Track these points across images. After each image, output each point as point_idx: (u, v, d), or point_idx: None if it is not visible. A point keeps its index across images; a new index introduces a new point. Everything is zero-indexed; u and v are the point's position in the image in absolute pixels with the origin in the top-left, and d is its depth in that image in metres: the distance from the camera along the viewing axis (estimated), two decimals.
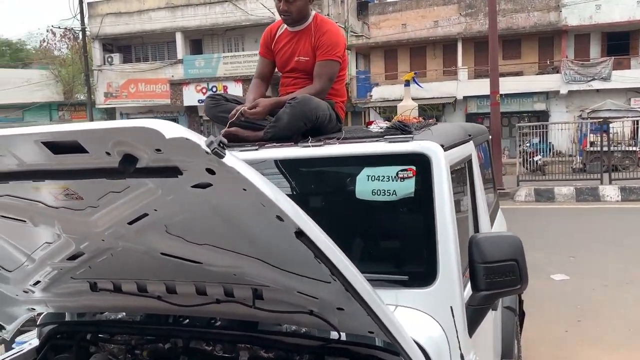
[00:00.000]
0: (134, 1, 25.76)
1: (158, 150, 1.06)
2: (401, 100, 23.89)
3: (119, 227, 1.52)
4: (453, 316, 1.94)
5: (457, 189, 2.60)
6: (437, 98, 23.93)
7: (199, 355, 1.98)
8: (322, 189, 2.35)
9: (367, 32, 29.51)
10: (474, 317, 2.05)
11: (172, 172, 1.08)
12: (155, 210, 1.39)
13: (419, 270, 2.07)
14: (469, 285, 2.09)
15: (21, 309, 2.18)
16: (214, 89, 23.49)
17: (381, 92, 24.61)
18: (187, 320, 2.04)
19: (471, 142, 2.91)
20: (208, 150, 0.98)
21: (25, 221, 1.60)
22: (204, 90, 24.30)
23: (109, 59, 26.84)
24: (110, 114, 27.83)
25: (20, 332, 2.71)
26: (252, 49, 25.03)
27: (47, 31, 39.18)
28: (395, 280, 2.03)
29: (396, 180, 2.11)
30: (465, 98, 24.96)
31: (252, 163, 2.34)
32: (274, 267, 1.53)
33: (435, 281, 1.99)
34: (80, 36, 27.34)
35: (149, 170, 1.13)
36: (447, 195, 2.07)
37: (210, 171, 1.08)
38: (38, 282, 2.00)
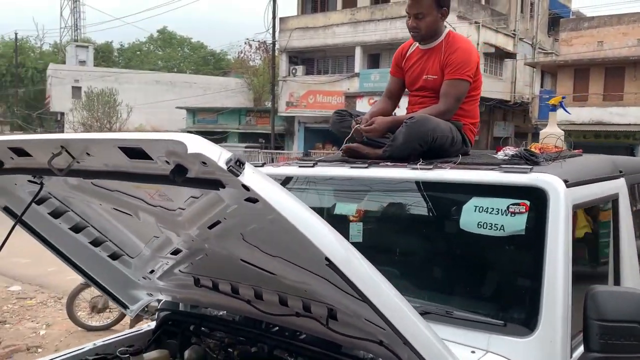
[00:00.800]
0: (321, 17, 27.26)
1: (204, 163, 1.11)
2: (590, 124, 21.80)
3: (202, 230, 1.62)
4: None
5: (591, 232, 2.29)
6: (634, 125, 21.29)
7: None
8: (426, 214, 2.24)
9: (556, 49, 27.46)
10: None
11: (215, 184, 1.12)
12: (225, 218, 1.46)
13: (517, 316, 1.87)
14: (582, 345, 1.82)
15: (142, 293, 2.43)
16: None
17: (566, 115, 22.60)
18: (277, 328, 2.09)
19: (622, 179, 2.53)
20: (224, 167, 1.00)
21: (131, 215, 1.79)
22: None
23: (293, 71, 28.73)
24: (289, 121, 29.75)
25: None
26: None
27: (245, 43, 43.23)
28: (491, 324, 1.85)
29: (506, 215, 1.93)
30: None
31: (357, 180, 2.37)
32: (337, 288, 1.50)
33: (535, 331, 1.77)
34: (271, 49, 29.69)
35: (197, 181, 1.18)
36: (562, 237, 1.84)
37: (246, 188, 1.10)
38: (153, 270, 2.22)
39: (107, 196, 1.72)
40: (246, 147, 27.74)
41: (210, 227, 1.57)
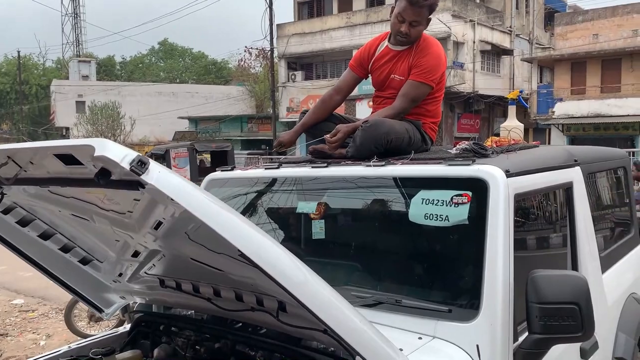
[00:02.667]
0: (317, 22, 27.42)
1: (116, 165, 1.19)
2: (589, 116, 21.77)
3: (151, 230, 1.71)
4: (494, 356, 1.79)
5: (545, 220, 2.37)
6: (633, 115, 21.25)
7: (243, 358, 2.10)
8: (380, 208, 2.33)
9: (553, 44, 27.47)
10: None
11: (136, 185, 1.20)
12: (164, 218, 1.55)
13: (461, 302, 1.95)
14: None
15: (115, 296, 2.52)
16: None
17: (565, 109, 22.62)
18: (240, 324, 2.18)
19: (577, 168, 2.61)
20: (127, 167, 1.09)
21: (88, 220, 1.89)
22: None
23: (292, 77, 28.90)
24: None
25: None
26: None
27: (244, 51, 43.49)
28: (437, 310, 1.93)
29: (450, 205, 2.01)
30: None
31: (318, 180, 2.46)
32: (272, 280, 1.58)
33: (477, 316, 1.85)
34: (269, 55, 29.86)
35: (119, 183, 1.27)
36: (502, 225, 1.92)
37: (150, 186, 1.17)
38: (121, 274, 2.31)
39: (63, 203, 1.82)
40: (249, 154, 27.88)
41: (155, 228, 1.66)
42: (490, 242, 1.90)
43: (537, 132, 26.17)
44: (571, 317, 1.79)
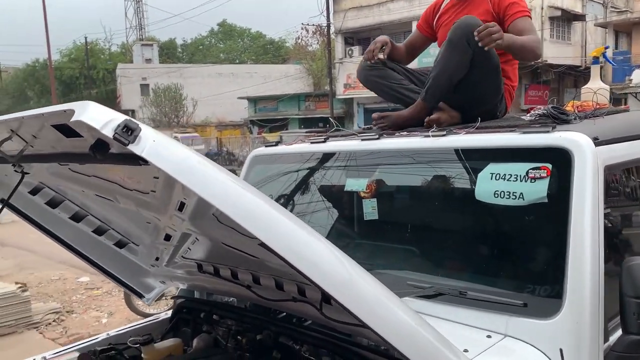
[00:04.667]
0: None
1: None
2: None
3: (175, 212, 1.51)
4: None
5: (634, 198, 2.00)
6: None
7: (287, 351, 1.90)
8: (441, 185, 2.03)
9: (631, 7, 25.52)
10: None
11: (135, 159, 0.99)
12: (185, 198, 1.34)
13: (540, 296, 1.64)
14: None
15: (155, 281, 2.38)
16: None
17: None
18: (283, 315, 1.97)
19: None
20: (110, 135, 0.87)
21: (112, 200, 1.72)
22: None
23: (350, 52, 28.36)
24: (348, 104, 29.47)
25: None
26: None
27: (301, 28, 43.20)
28: (510, 304, 1.63)
29: (526, 181, 1.70)
30: None
31: (369, 154, 2.19)
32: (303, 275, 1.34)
33: (559, 312, 1.54)
34: (326, 31, 29.44)
35: (119, 157, 1.06)
36: (590, 204, 1.59)
37: (143, 160, 0.95)
38: (158, 258, 2.15)
39: (86, 182, 1.65)
40: (307, 132, 27.78)
41: (180, 209, 1.46)
42: (576, 223, 1.58)
43: (612, 102, 24.51)
44: None
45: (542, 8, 23.77)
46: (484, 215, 1.83)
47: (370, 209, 2.14)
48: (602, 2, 26.67)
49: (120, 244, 2.17)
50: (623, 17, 24.45)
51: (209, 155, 28.63)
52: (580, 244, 1.56)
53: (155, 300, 6.45)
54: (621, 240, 1.82)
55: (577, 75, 26.08)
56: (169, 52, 60.19)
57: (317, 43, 43.76)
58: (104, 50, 55.64)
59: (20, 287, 6.27)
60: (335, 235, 2.27)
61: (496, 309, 1.64)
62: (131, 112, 47.16)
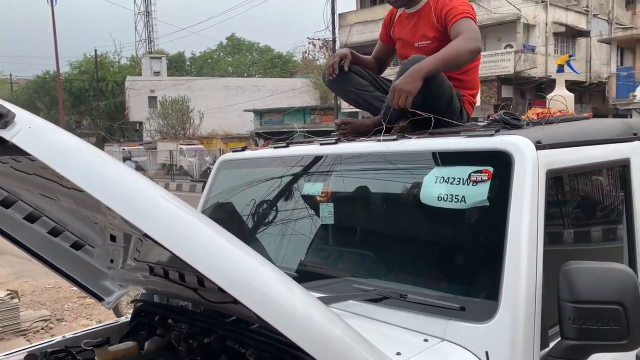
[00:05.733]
0: (379, 9, 26.82)
1: None
2: None
3: (106, 210, 1.51)
4: None
5: (587, 204, 1.99)
6: None
7: (234, 355, 1.88)
8: (391, 189, 2.03)
9: (636, 23, 25.51)
10: None
11: (20, 151, 0.98)
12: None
13: (477, 299, 1.62)
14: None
15: (113, 284, 2.37)
16: None
17: None
18: (233, 318, 1.96)
19: (636, 142, 2.19)
20: None
21: (54, 199, 1.72)
22: None
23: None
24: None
25: None
26: (494, 49, 23.82)
27: (308, 43, 43.50)
28: (449, 308, 1.62)
29: (468, 184, 1.69)
30: None
31: (325, 159, 2.19)
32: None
33: (494, 316, 1.53)
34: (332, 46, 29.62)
35: (13, 148, 1.06)
36: (528, 207, 1.58)
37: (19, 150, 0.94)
38: (112, 260, 2.15)
39: (29, 181, 1.66)
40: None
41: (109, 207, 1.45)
42: (513, 226, 1.57)
43: (617, 118, 24.42)
44: (614, 321, 1.44)
45: (546, 24, 23.84)
46: (429, 219, 1.82)
47: (326, 213, 2.14)
48: (606, 18, 26.71)
49: (76, 246, 2.17)
50: (627, 33, 24.45)
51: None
52: (517, 247, 1.55)
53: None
54: (562, 244, 1.80)
55: (582, 91, 26.05)
56: (177, 65, 60.78)
57: (324, 57, 44.03)
58: (113, 63, 56.27)
59: (9, 294, 6.28)
60: (293, 239, 2.26)
61: (435, 312, 1.63)
62: (139, 124, 47.59)
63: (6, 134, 0.90)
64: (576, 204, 1.91)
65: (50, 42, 31.88)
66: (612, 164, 2.01)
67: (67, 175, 0.94)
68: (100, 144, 46.81)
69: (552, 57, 23.79)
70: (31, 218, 2.06)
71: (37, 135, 0.93)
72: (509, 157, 1.63)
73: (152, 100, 45.71)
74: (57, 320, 6.86)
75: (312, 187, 2.19)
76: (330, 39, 29.09)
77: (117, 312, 6.20)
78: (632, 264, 2.05)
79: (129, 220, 1.00)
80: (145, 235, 1.03)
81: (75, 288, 7.62)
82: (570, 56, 3.07)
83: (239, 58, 64.44)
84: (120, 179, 1.01)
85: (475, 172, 1.68)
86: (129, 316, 2.46)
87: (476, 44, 2.19)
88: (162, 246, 1.04)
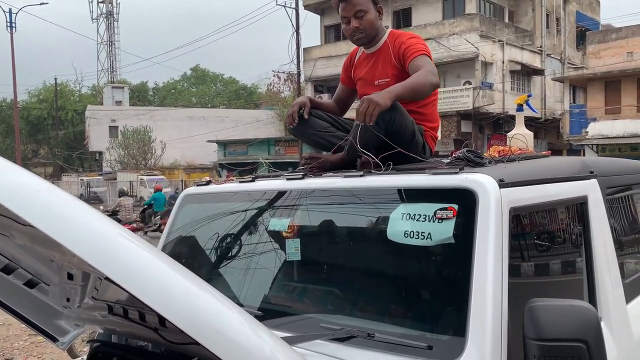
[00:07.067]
0: (343, 45, 27.39)
1: None
2: (625, 137, 20.92)
3: (62, 247, 1.45)
4: None
5: (548, 241, 2.03)
6: None
7: None
8: (357, 225, 2.03)
9: (585, 63, 26.79)
10: None
11: None
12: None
13: (443, 338, 1.62)
14: None
15: (69, 324, 2.27)
16: None
17: (599, 129, 21.87)
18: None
19: (593, 180, 2.26)
20: None
21: (8, 236, 1.65)
22: None
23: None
24: (318, 150, 29.72)
25: None
26: (454, 85, 24.55)
27: (273, 76, 43.92)
28: (415, 347, 1.60)
29: (433, 221, 1.70)
30: None
31: (291, 194, 2.18)
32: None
33: (462, 355, 1.52)
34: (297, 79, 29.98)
35: None
36: (493, 245, 1.60)
37: None
38: (69, 299, 2.06)
39: None
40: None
41: None
42: (478, 264, 1.58)
43: (570, 153, 25.36)
44: (577, 358, 1.45)
45: (503, 62, 24.78)
46: (396, 256, 1.82)
47: (292, 249, 2.11)
48: (559, 58, 27.98)
49: (30, 284, 2.08)
50: (579, 72, 25.65)
51: (174, 197, 28.34)
52: (483, 283, 1.56)
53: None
54: (527, 281, 1.83)
55: (537, 127, 27.03)
56: (140, 95, 60.28)
57: (289, 90, 44.51)
58: (73, 92, 55.39)
59: None
60: (258, 276, 2.22)
61: (403, 351, 1.61)
62: (98, 154, 46.66)
63: None
64: (538, 240, 1.95)
65: (7, 69, 31.22)
66: (571, 201, 2.07)
67: (26, 217, 0.91)
68: (58, 173, 45.59)
69: (508, 94, 24.69)
70: None
71: None
72: (473, 195, 1.66)
73: (113, 129, 45.02)
74: (6, 359, 6.51)
75: (279, 223, 2.17)
76: (295, 72, 29.42)
77: (72, 353, 5.94)
78: (591, 296, 2.10)
79: (92, 265, 0.96)
80: (107, 278, 0.99)
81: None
82: (528, 96, 3.18)
83: (203, 89, 64.41)
84: (81, 220, 0.97)
85: (440, 209, 1.70)
86: (84, 357, 2.36)
87: (436, 79, 2.26)
88: (124, 289, 1.00)
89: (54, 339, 2.30)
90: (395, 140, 2.09)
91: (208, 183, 2.66)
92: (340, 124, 2.51)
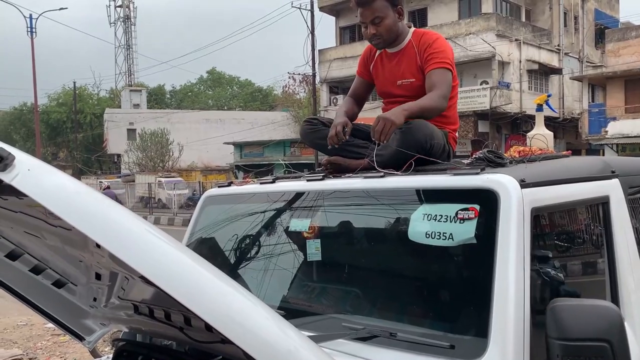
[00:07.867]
0: (358, 45, 27.40)
1: None
2: None
3: (93, 248, 1.50)
4: None
5: (570, 241, 2.03)
6: None
7: None
8: (378, 226, 2.04)
9: (604, 61, 26.44)
10: None
11: (17, 191, 0.97)
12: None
13: (466, 337, 1.63)
14: None
15: (95, 323, 2.31)
16: None
17: (619, 128, 21.56)
18: (219, 358, 1.93)
19: (615, 180, 2.25)
20: None
21: (39, 237, 1.70)
22: None
23: (334, 100, 28.88)
24: None
25: None
26: (471, 85, 24.40)
27: (288, 77, 44.03)
28: (437, 346, 1.62)
29: (455, 222, 1.71)
30: None
31: (310, 194, 2.20)
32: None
33: (484, 354, 1.53)
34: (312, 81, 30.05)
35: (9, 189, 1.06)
36: (515, 245, 1.60)
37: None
38: (95, 299, 2.11)
39: (14, 218, 1.64)
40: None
41: (98, 245, 1.44)
42: (500, 264, 1.59)
43: (590, 153, 25.04)
44: (601, 357, 1.46)
45: (520, 61, 24.57)
46: (417, 256, 1.84)
47: (313, 250, 2.13)
48: (577, 57, 27.65)
49: (58, 284, 2.13)
50: (598, 71, 25.32)
51: (192, 199, 28.60)
52: (505, 283, 1.57)
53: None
54: (549, 281, 1.83)
55: (556, 126, 26.74)
56: (157, 98, 60.83)
57: (304, 91, 44.59)
58: (92, 95, 56.08)
59: None
60: (280, 276, 2.25)
61: (425, 350, 1.62)
62: (117, 156, 47.18)
63: (5, 177, 0.90)
64: (559, 241, 1.95)
65: (27, 74, 31.75)
66: (593, 201, 2.06)
67: (65, 217, 0.94)
68: (77, 176, 46.20)
69: (526, 94, 24.47)
70: (12, 256, 2.02)
71: (34, 177, 0.93)
72: (494, 195, 1.67)
73: (131, 132, 45.47)
74: (30, 359, 6.63)
75: (299, 223, 2.19)
76: (310, 73, 29.48)
77: (94, 353, 6.03)
78: (614, 297, 2.09)
79: (131, 265, 0.99)
80: (142, 277, 1.03)
81: (49, 325, 7.44)
82: (548, 95, 3.17)
83: (219, 91, 64.81)
84: (118, 221, 1.01)
85: (462, 209, 1.71)
86: (109, 356, 2.40)
87: (445, 104, 2.33)
88: (159, 289, 1.03)
89: (80, 338, 2.34)
90: (431, 156, 2.11)
91: (230, 184, 2.70)
92: (358, 129, 2.50)
